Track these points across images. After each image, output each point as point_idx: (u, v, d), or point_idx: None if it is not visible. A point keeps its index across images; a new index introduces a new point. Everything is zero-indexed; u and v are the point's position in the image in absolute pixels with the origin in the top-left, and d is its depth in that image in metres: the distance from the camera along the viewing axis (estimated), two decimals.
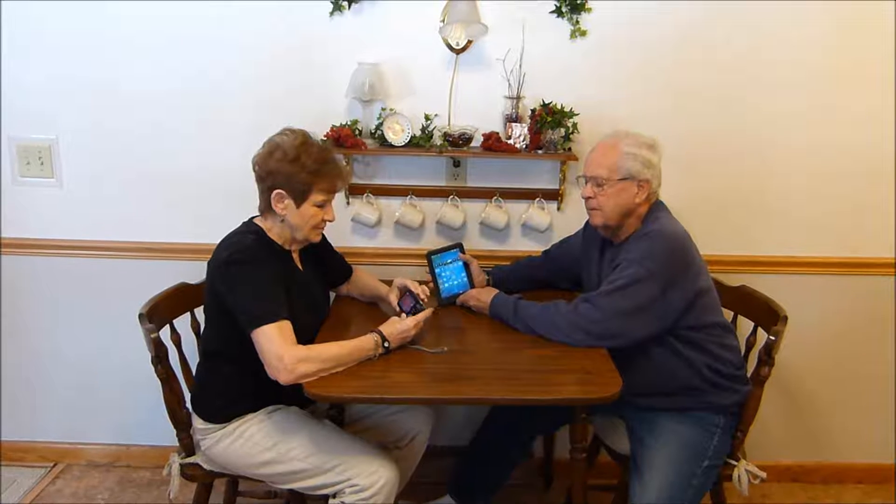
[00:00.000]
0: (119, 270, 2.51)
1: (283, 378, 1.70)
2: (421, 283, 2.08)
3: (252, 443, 1.87)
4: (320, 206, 1.87)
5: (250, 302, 1.75)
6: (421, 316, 1.90)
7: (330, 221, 1.93)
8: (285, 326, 1.73)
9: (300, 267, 1.98)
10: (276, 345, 1.70)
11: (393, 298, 2.06)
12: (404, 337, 1.86)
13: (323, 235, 2.07)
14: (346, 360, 1.77)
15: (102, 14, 2.30)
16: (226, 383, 1.92)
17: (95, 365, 2.62)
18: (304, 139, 1.85)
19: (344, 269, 2.22)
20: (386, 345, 1.82)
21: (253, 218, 1.95)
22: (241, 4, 2.28)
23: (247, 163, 2.35)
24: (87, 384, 2.65)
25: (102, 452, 2.73)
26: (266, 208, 1.88)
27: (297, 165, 1.81)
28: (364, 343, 1.80)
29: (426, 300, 1.99)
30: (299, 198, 1.83)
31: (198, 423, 1.93)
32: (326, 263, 2.13)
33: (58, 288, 2.55)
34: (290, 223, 1.87)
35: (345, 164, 1.90)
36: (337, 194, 1.95)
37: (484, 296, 2.11)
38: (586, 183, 2.00)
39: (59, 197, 2.46)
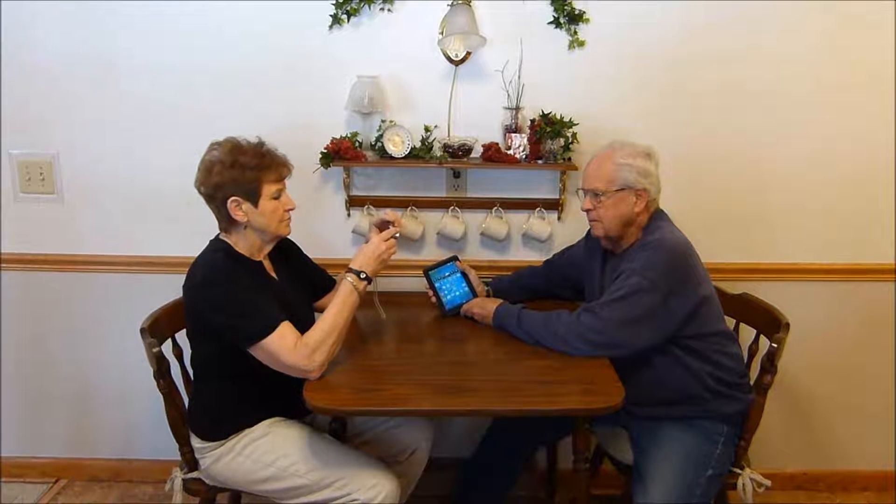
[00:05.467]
0: (120, 285, 2.51)
1: (312, 377, 1.73)
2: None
3: (252, 460, 1.86)
4: (276, 197, 1.87)
5: (241, 319, 1.74)
6: (387, 233, 1.89)
7: (292, 210, 1.92)
8: (284, 330, 1.73)
9: (273, 276, 1.98)
10: (282, 356, 1.71)
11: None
12: (379, 256, 1.87)
13: (298, 248, 2.10)
14: (342, 319, 1.78)
15: (102, 30, 2.31)
16: (217, 401, 1.92)
17: (97, 379, 2.62)
18: (233, 144, 1.86)
19: (325, 279, 2.20)
20: (363, 276, 1.83)
21: (218, 235, 1.95)
22: (240, 18, 2.30)
23: None
24: (88, 399, 2.65)
25: (104, 467, 2.72)
26: (227, 223, 1.88)
27: (237, 168, 1.81)
28: (344, 292, 1.81)
29: (401, 226, 1.97)
30: (253, 196, 1.83)
31: (195, 441, 1.93)
32: (306, 273, 2.12)
33: (59, 303, 2.55)
34: (255, 226, 1.87)
35: (282, 152, 1.92)
36: (288, 184, 1.94)
37: (488, 305, 2.11)
38: (585, 196, 2.01)
39: (60, 212, 2.47)
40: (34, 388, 2.64)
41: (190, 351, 1.96)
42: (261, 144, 1.88)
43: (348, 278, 1.83)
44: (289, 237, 2.01)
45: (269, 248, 1.96)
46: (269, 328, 1.72)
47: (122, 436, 2.69)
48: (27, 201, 2.46)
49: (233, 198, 1.82)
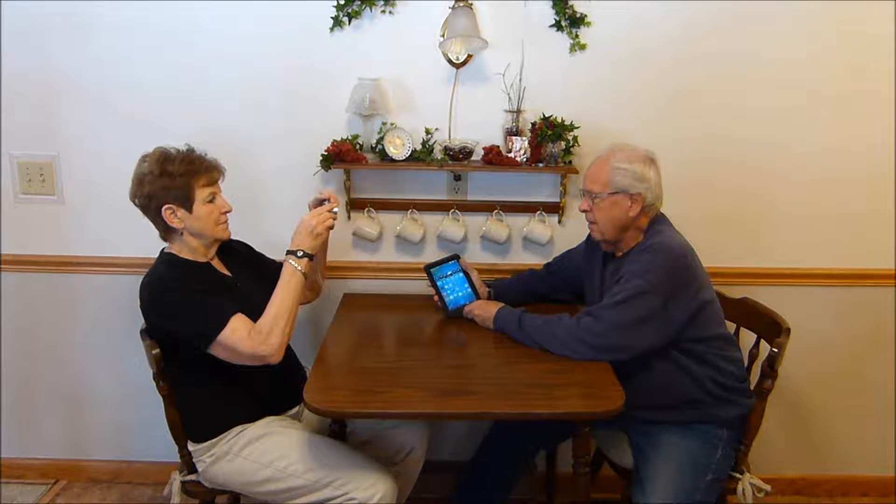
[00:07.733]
0: (121, 286, 2.50)
1: (273, 361, 1.76)
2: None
3: (249, 461, 1.87)
4: (211, 201, 1.89)
5: (193, 322, 1.77)
6: (318, 210, 1.90)
7: (228, 212, 1.94)
8: (235, 323, 1.76)
9: (227, 272, 1.99)
10: (239, 347, 1.74)
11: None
12: (312, 231, 1.87)
13: (248, 246, 2.11)
14: (289, 300, 1.81)
15: (103, 31, 2.31)
16: (197, 403, 1.94)
17: (96, 381, 2.62)
18: (160, 153, 1.88)
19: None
20: (300, 254, 1.84)
21: (164, 249, 1.96)
22: (242, 20, 2.29)
23: (248, 177, 2.36)
24: (88, 400, 2.64)
25: (103, 469, 2.72)
26: (165, 232, 1.91)
27: (167, 177, 1.83)
28: (287, 273, 1.83)
29: (337, 202, 1.97)
30: (186, 202, 1.85)
31: (189, 445, 1.95)
32: (262, 269, 2.10)
33: (59, 304, 2.55)
34: (192, 231, 1.89)
35: (212, 156, 1.94)
36: (220, 185, 1.95)
37: (489, 308, 2.11)
38: (584, 196, 2.01)
39: (60, 213, 2.47)
40: (34, 389, 2.64)
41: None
42: (190, 151, 1.91)
43: (290, 260, 1.85)
44: (237, 239, 2.05)
45: (213, 249, 1.98)
46: (221, 324, 1.75)
47: (122, 437, 2.68)
48: (27, 202, 2.46)
49: (166, 206, 1.84)
